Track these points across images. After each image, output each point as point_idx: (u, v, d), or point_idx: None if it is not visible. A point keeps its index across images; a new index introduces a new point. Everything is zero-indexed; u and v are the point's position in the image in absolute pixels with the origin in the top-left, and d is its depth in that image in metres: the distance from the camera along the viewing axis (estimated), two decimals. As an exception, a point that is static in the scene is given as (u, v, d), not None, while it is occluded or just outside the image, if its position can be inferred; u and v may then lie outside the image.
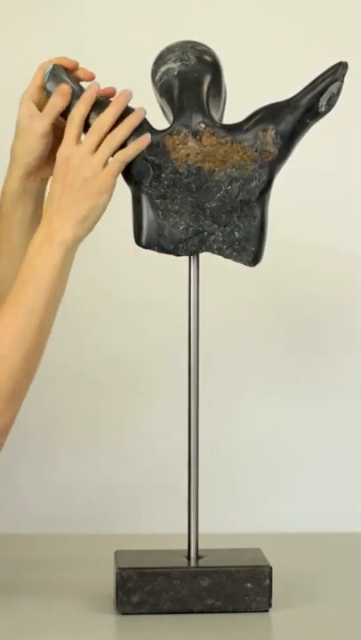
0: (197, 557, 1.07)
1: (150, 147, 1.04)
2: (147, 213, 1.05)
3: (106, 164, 1.01)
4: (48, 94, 1.06)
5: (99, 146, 1.02)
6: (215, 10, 1.42)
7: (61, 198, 1.01)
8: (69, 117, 1.02)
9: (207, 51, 1.06)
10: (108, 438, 1.44)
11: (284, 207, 1.35)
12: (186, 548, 1.07)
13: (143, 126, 1.04)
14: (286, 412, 1.45)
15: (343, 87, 1.03)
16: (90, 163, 1.01)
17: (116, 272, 1.43)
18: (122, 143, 1.02)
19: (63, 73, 1.05)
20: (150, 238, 1.06)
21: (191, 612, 1.04)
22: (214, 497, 1.35)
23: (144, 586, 1.04)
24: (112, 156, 1.02)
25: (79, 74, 1.06)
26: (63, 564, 1.20)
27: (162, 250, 1.06)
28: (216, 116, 1.06)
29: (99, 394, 1.44)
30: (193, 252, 1.06)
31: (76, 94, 1.04)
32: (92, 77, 1.05)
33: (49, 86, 1.05)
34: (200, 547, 1.08)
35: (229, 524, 1.40)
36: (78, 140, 1.01)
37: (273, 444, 1.45)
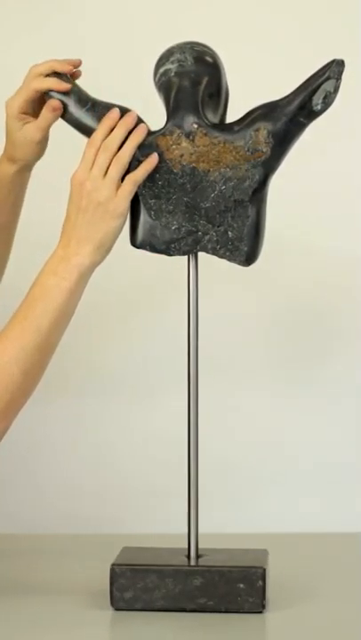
0: (197, 556, 1.06)
1: (143, 147, 1.04)
2: (139, 214, 1.05)
3: (118, 185, 1.02)
4: (46, 98, 1.06)
5: (108, 166, 1.03)
6: (215, 10, 1.41)
7: (76, 222, 1.02)
8: (89, 140, 1.03)
9: (206, 51, 1.05)
10: (108, 438, 1.43)
11: (285, 207, 1.34)
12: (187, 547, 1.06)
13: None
14: (286, 412, 1.44)
15: (345, 87, 1.02)
16: (102, 187, 1.02)
17: (115, 271, 1.42)
18: (130, 161, 1.02)
19: (64, 77, 1.04)
20: (142, 239, 1.06)
21: (184, 610, 1.03)
22: (215, 497, 1.34)
23: (137, 582, 1.03)
24: (122, 176, 1.03)
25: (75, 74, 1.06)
26: (64, 563, 1.19)
27: (154, 250, 1.06)
28: (214, 117, 1.06)
29: (98, 393, 1.43)
30: (186, 252, 1.06)
31: (83, 97, 1.04)
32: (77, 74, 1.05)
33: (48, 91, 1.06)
34: (205, 546, 1.07)
35: (230, 524, 1.39)
36: (93, 164, 1.02)
37: (273, 444, 1.43)
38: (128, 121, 1.03)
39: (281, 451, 1.43)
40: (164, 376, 1.42)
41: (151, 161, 1.03)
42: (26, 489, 1.43)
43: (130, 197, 1.02)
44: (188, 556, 1.06)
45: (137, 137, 1.03)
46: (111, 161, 1.02)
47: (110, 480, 1.43)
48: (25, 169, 1.10)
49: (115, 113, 1.04)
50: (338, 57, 1.03)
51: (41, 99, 1.05)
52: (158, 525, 1.35)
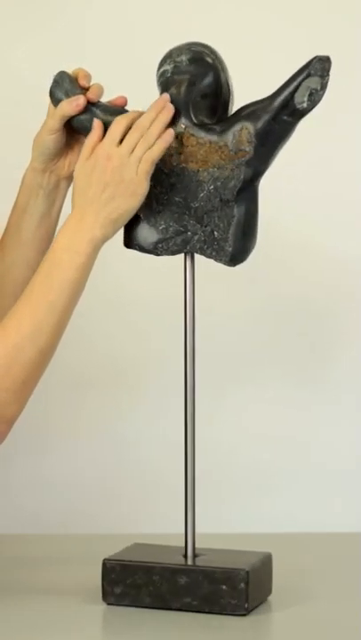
0: (194, 556, 1.02)
1: None
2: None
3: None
4: (51, 98, 1.04)
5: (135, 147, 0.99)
6: (216, 10, 1.36)
7: (97, 195, 0.98)
8: (121, 116, 1.00)
9: (204, 51, 1.02)
10: (107, 439, 1.40)
11: (284, 206, 1.29)
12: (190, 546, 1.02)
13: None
14: (286, 412, 1.39)
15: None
16: (129, 164, 0.98)
17: (113, 271, 1.40)
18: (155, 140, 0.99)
19: (67, 81, 1.02)
20: (131, 239, 1.03)
21: (171, 608, 0.99)
22: (214, 497, 1.30)
23: (126, 578, 1.00)
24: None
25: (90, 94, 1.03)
26: (63, 563, 1.16)
27: (142, 250, 1.03)
28: (210, 117, 1.02)
29: (96, 394, 1.40)
30: (175, 252, 1.02)
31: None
32: (97, 97, 1.02)
33: (52, 94, 1.04)
34: (210, 546, 1.04)
35: (231, 525, 1.34)
36: (122, 141, 0.99)
37: (272, 443, 1.39)
38: (160, 102, 1.00)
39: (281, 451, 1.38)
40: (161, 376, 1.38)
41: (166, 137, 0.99)
42: (25, 489, 1.40)
43: (149, 176, 0.98)
44: (186, 555, 1.02)
45: (164, 117, 0.99)
46: (139, 141, 0.98)
47: (110, 480, 1.39)
48: (43, 169, 1.05)
49: (164, 99, 1.00)
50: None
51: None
52: (167, 524, 1.30)
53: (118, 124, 1.00)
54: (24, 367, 0.98)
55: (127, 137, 0.99)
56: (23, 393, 0.99)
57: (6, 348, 0.97)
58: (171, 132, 0.99)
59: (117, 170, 0.98)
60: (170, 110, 0.99)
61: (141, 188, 0.98)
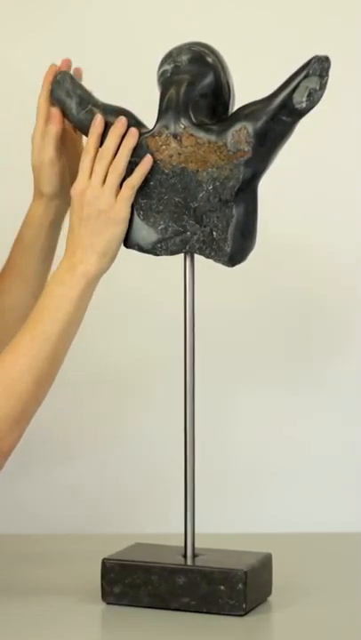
0: (193, 556, 1.02)
1: (134, 148, 1.01)
2: (131, 214, 1.01)
3: (117, 191, 1.00)
4: (51, 97, 1.04)
5: (107, 174, 1.00)
6: (216, 11, 1.36)
7: (80, 232, 1.00)
8: (84, 150, 1.01)
9: (204, 51, 1.01)
10: (108, 439, 1.39)
11: (285, 206, 1.28)
12: (191, 546, 1.01)
13: (130, 122, 1.01)
14: (285, 412, 1.38)
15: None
16: (102, 195, 1.00)
17: (113, 271, 1.39)
18: (126, 166, 1.00)
19: (69, 81, 1.03)
20: (131, 239, 1.02)
21: (169, 608, 0.98)
22: (214, 497, 1.30)
23: (125, 578, 1.00)
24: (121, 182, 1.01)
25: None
26: (63, 562, 1.16)
27: (141, 250, 1.03)
28: (210, 117, 1.01)
29: (97, 395, 1.39)
30: (174, 252, 1.02)
31: (84, 100, 1.02)
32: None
33: (54, 94, 1.04)
34: (213, 547, 1.03)
35: (231, 525, 1.33)
36: (91, 173, 1.00)
37: (272, 443, 1.38)
38: (119, 127, 1.01)
39: (280, 450, 1.37)
40: (161, 376, 1.37)
41: (146, 164, 1.00)
42: (26, 489, 1.39)
43: (130, 202, 1.00)
44: (185, 555, 1.02)
45: (130, 143, 1.00)
46: (108, 168, 1.00)
47: (110, 481, 1.38)
48: (51, 204, 1.07)
49: (98, 120, 1.01)
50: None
51: (64, 135, 1.04)
52: (168, 524, 1.28)
53: (85, 157, 1.01)
54: (21, 397, 1.00)
55: (94, 169, 1.00)
56: (20, 424, 1.00)
57: (3, 381, 0.99)
58: (149, 157, 1.00)
59: (92, 203, 1.00)
60: (135, 135, 1.00)
61: (122, 213, 1.00)
